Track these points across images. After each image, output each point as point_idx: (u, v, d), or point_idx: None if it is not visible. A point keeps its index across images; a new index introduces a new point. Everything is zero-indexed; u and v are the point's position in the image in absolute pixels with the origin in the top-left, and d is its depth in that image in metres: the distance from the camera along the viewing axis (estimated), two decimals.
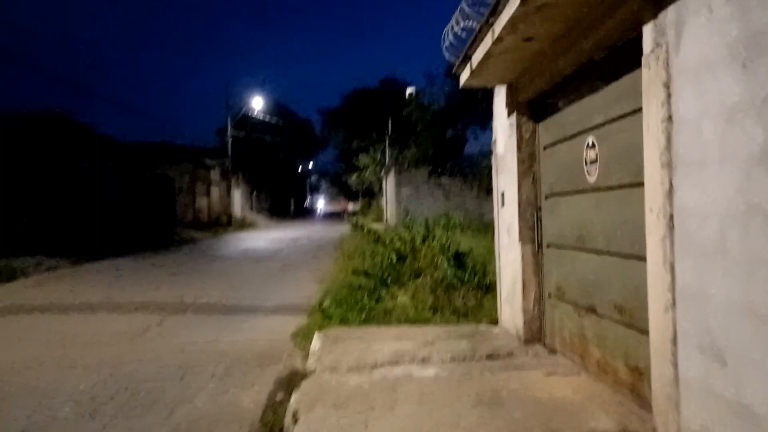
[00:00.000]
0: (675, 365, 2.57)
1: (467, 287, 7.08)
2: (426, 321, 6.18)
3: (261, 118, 39.83)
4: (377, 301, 7.13)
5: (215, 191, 34.27)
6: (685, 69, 2.47)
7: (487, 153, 20.18)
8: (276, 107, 51.04)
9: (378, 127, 36.47)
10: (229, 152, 32.81)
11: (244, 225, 34.45)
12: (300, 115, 61.41)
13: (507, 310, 5.63)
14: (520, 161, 5.11)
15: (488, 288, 7.27)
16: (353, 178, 40.25)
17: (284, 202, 62.44)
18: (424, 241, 8.21)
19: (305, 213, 69.28)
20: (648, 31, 2.81)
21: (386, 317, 6.45)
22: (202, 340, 6.12)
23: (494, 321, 6.05)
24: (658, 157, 2.61)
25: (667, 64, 2.54)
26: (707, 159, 2.35)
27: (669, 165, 2.53)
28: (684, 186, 2.46)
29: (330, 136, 53.41)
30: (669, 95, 2.53)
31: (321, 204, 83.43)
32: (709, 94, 2.33)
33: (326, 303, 7.40)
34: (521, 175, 5.11)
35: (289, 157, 62.09)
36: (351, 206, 60.60)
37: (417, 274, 7.48)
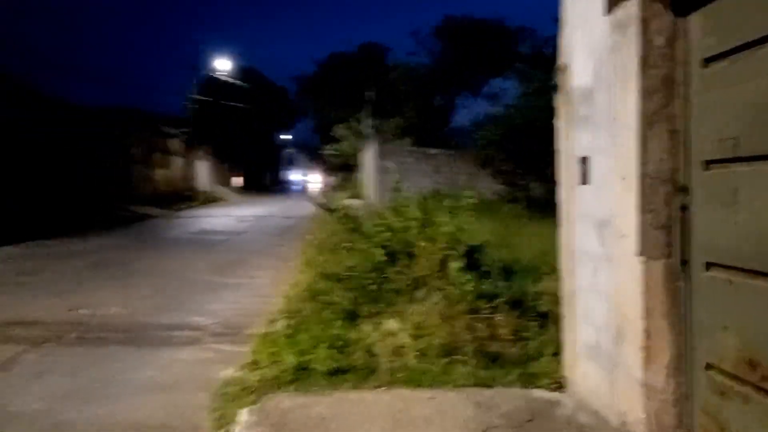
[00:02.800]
0: None
1: (495, 306, 4.55)
2: (439, 379, 3.64)
3: (231, 82, 36.41)
4: (355, 328, 4.57)
5: (177, 162, 31.03)
6: None
7: (481, 122, 17.58)
8: (249, 74, 47.29)
9: (357, 96, 33.42)
10: (191, 118, 29.47)
11: (210, 200, 31.34)
12: (276, 83, 57.31)
13: (593, 373, 3.11)
14: (646, 95, 2.54)
15: (523, 306, 4.76)
16: (330, 151, 37.20)
17: (258, 176, 58.95)
18: (422, 229, 5.63)
19: (281, 187, 65.94)
20: None
21: (370, 364, 3.90)
22: (44, 414, 3.50)
23: (555, 380, 3.55)
24: None
25: None
26: None
27: None
28: None
29: (306, 106, 49.94)
30: None
31: (298, 178, 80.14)
32: None
33: (278, 327, 4.85)
34: (647, 124, 2.54)
35: (264, 128, 58.34)
36: (330, 180, 57.39)
37: (415, 285, 4.94)
